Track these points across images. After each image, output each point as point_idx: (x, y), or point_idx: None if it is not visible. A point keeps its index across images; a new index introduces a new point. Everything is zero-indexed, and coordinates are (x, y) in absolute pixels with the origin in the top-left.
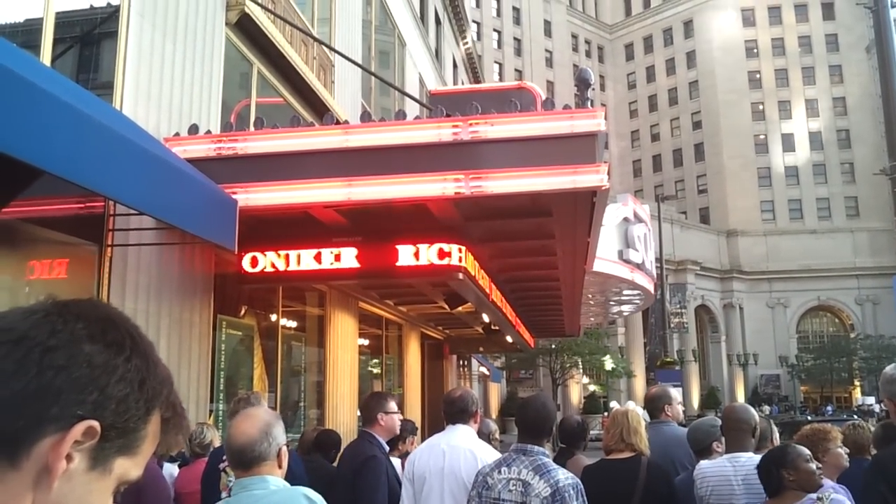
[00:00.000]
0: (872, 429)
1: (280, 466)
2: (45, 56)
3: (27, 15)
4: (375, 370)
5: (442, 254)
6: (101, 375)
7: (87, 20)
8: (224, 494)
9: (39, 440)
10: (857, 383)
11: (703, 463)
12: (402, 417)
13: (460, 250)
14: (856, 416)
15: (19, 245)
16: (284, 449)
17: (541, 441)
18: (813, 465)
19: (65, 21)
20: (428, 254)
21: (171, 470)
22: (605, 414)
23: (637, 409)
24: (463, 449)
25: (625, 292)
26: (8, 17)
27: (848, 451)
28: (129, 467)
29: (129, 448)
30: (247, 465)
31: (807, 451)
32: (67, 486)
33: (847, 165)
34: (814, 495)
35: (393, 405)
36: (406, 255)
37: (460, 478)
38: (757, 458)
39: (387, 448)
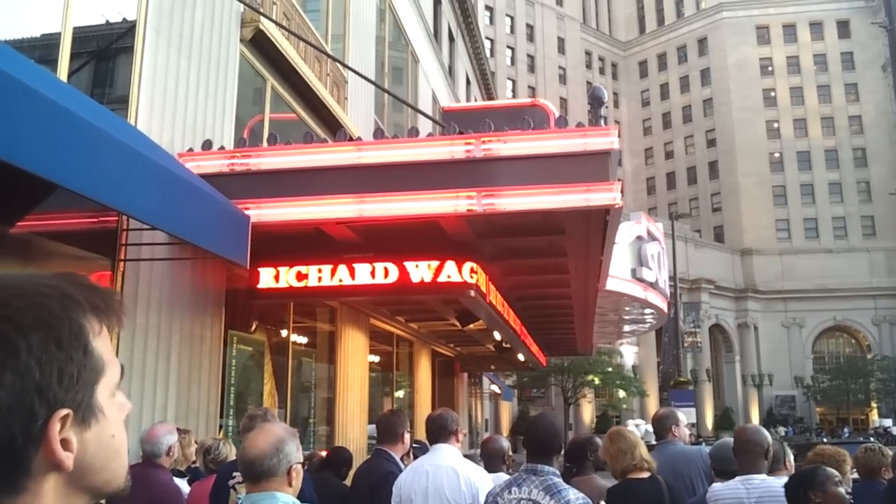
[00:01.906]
0: (886, 451)
1: (290, 485)
2: (62, 71)
3: (45, 30)
4: (386, 387)
5: (454, 271)
6: (23, 384)
7: (103, 36)
8: None
9: (31, 463)
10: (873, 405)
11: (716, 486)
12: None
13: (472, 268)
14: (872, 439)
15: (33, 258)
16: (298, 467)
17: (550, 460)
18: (842, 490)
19: (82, 36)
20: (440, 271)
21: (181, 485)
22: None
23: (643, 428)
24: (445, 467)
25: (641, 311)
26: (26, 32)
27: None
28: (109, 381)
29: (98, 377)
30: (255, 479)
31: (836, 474)
32: (82, 452)
33: (863, 184)
34: None
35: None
36: (418, 272)
37: (444, 496)
38: (770, 480)
39: (402, 466)
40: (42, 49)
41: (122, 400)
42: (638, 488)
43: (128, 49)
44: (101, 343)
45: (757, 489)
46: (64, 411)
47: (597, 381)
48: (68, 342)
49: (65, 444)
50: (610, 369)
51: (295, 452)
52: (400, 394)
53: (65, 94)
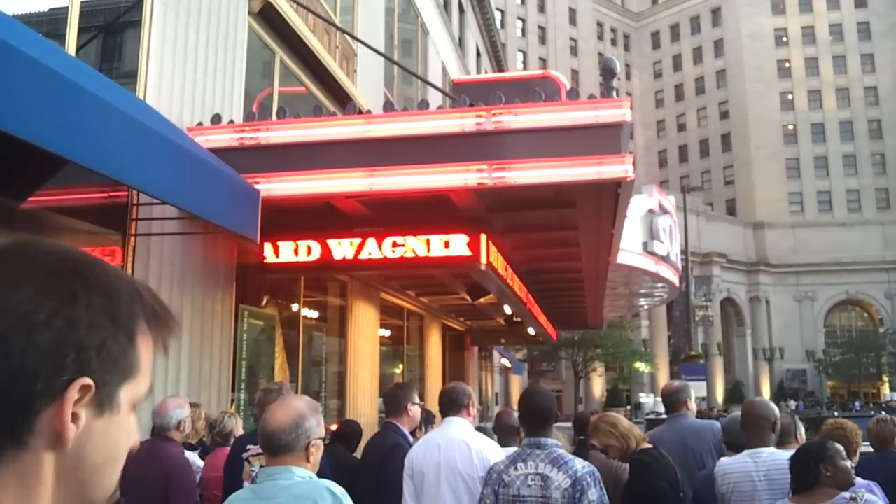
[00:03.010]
0: None
1: (308, 460)
2: (71, 45)
3: (52, 4)
4: (396, 361)
5: (465, 244)
6: (68, 334)
7: (111, 9)
8: (247, 483)
9: (37, 417)
10: (885, 379)
11: (724, 460)
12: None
13: (483, 241)
14: (883, 412)
15: (43, 234)
16: (318, 443)
17: (550, 433)
18: (849, 463)
19: (90, 10)
20: (451, 244)
21: (192, 459)
22: (628, 407)
23: (653, 400)
24: (457, 441)
25: (652, 285)
26: (34, 6)
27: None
28: (136, 389)
29: (129, 375)
30: (273, 452)
31: (842, 448)
32: (84, 439)
33: (878, 157)
34: (847, 494)
35: (416, 396)
36: (429, 245)
37: (456, 469)
38: (779, 453)
39: (411, 438)
40: (50, 23)
41: (134, 424)
42: (656, 456)
43: (136, 23)
44: (144, 346)
45: (765, 462)
46: (88, 381)
47: (603, 354)
48: (121, 321)
49: (73, 417)
50: (626, 332)
51: (315, 428)
52: (410, 367)
53: (73, 69)
